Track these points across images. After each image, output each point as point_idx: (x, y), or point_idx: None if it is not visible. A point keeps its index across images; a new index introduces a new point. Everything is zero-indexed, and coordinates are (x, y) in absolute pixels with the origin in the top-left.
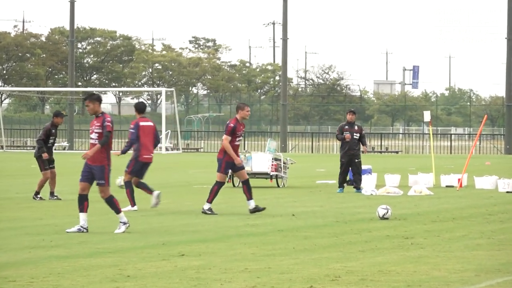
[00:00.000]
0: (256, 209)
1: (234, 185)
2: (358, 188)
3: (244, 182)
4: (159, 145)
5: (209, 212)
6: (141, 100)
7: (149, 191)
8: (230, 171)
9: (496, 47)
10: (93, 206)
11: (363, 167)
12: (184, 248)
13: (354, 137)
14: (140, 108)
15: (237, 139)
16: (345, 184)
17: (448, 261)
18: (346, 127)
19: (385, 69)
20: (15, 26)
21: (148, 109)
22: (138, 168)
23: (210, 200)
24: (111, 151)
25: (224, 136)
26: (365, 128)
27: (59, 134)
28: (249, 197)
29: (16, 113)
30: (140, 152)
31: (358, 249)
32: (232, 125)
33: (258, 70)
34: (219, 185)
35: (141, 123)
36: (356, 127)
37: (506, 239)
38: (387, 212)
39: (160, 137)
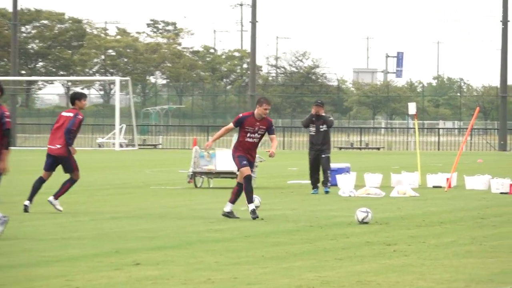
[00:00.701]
0: (228, 215)
1: (196, 186)
2: (325, 186)
3: (239, 184)
4: (100, 140)
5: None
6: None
7: (30, 196)
8: (190, 171)
9: (490, 32)
10: (40, 209)
11: (340, 165)
12: (139, 256)
13: (321, 130)
14: (70, 98)
15: (248, 134)
16: (318, 185)
17: (435, 270)
18: (313, 119)
19: (366, 56)
20: None
21: (100, 100)
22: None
23: (232, 201)
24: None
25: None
26: (343, 122)
27: None
28: (232, 200)
29: None
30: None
31: (334, 257)
32: (241, 115)
33: (223, 57)
34: (245, 181)
35: (62, 113)
36: (322, 121)
37: (499, 246)
38: (367, 216)
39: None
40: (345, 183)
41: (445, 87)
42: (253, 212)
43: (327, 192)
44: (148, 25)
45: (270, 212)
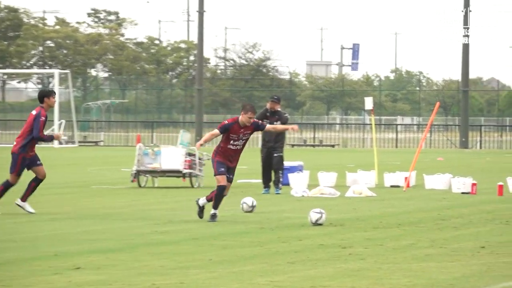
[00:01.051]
0: (199, 209)
1: (140, 185)
2: (277, 188)
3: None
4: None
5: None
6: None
7: None
8: (134, 170)
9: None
10: None
11: (293, 163)
12: (80, 259)
13: None
14: (38, 96)
15: (232, 142)
16: (270, 184)
17: (392, 275)
18: (268, 114)
19: (320, 47)
20: None
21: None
22: None
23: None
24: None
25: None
26: (296, 117)
27: None
28: (209, 199)
29: None
30: None
31: (286, 260)
32: (226, 122)
33: (169, 48)
34: (218, 189)
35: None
36: (276, 117)
37: (460, 249)
38: (321, 217)
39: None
40: (297, 183)
41: (403, 81)
42: (213, 216)
43: (278, 193)
44: (89, 14)
45: (218, 213)
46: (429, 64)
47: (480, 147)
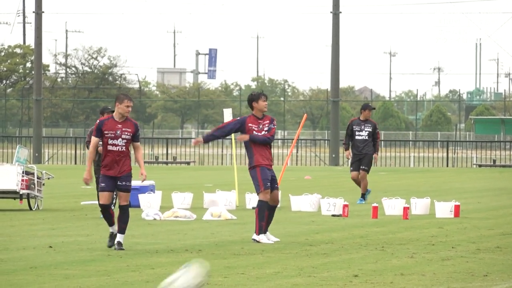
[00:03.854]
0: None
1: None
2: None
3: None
4: None
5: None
6: None
7: None
8: None
9: (320, 24)
10: None
11: (143, 182)
12: None
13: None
14: None
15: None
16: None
17: None
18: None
19: (173, 53)
20: None
21: None
22: None
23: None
24: None
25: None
26: (147, 131)
27: None
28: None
29: None
30: None
31: None
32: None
33: (2, 54)
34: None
35: None
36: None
37: (331, 277)
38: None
39: None
40: (149, 204)
41: (266, 90)
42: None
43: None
44: None
45: (60, 238)
46: (295, 71)
47: None
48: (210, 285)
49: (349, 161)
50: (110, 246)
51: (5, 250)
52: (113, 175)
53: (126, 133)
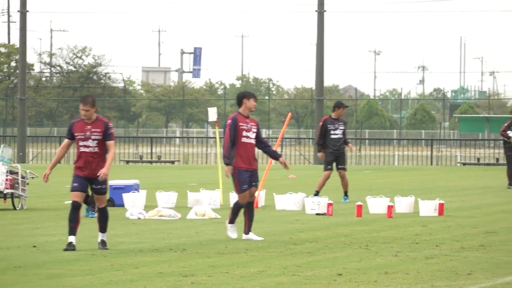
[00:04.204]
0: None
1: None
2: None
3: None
4: None
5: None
6: None
7: None
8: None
9: (304, 22)
10: None
11: (128, 181)
12: None
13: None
14: None
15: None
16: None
17: None
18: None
19: (157, 52)
20: None
21: None
22: None
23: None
24: None
25: None
26: (131, 130)
27: None
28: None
29: None
30: None
31: None
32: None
33: None
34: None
35: None
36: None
37: (315, 276)
38: None
39: None
40: (133, 203)
41: (251, 89)
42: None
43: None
44: None
45: (44, 238)
46: (280, 70)
47: None
48: (195, 284)
49: (323, 159)
50: (66, 250)
51: None
52: (86, 176)
53: (95, 133)
